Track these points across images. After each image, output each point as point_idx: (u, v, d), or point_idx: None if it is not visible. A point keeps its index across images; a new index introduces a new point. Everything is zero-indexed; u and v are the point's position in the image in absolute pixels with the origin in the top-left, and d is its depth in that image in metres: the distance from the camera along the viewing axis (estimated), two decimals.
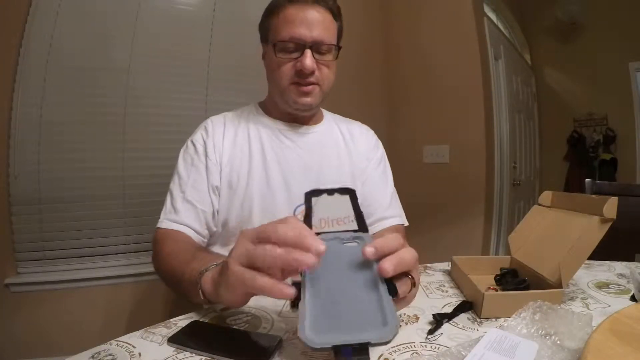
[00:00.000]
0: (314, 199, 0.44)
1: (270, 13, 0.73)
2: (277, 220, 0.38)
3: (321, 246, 0.33)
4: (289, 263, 0.33)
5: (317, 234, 0.38)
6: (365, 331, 0.28)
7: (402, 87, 2.13)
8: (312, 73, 0.69)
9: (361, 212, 0.43)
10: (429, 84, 2.02)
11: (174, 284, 0.58)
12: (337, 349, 0.28)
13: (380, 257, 0.35)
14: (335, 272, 0.35)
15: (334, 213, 0.45)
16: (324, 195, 0.44)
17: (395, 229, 0.82)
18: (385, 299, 0.31)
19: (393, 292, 0.33)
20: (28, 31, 1.24)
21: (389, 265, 0.33)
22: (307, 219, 0.42)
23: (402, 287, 0.36)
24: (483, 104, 1.85)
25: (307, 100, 0.72)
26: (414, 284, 0.39)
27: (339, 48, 0.74)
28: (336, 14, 0.73)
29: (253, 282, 0.35)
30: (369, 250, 0.34)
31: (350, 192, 0.44)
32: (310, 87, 0.71)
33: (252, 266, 0.36)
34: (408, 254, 0.37)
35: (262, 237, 0.36)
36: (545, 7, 3.02)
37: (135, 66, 1.37)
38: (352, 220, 0.43)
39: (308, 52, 0.67)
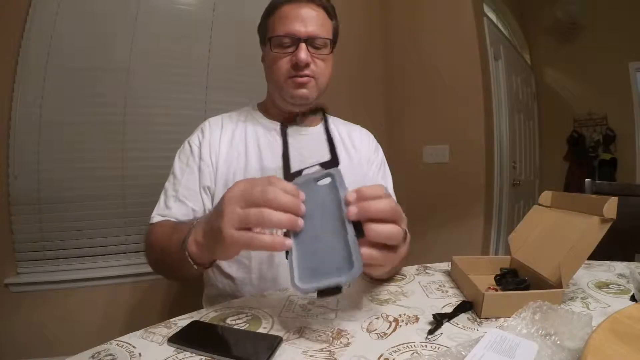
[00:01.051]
0: (289, 130, 0.52)
1: (267, 14, 0.75)
2: (261, 179, 0.41)
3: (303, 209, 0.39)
4: (287, 226, 0.39)
5: (292, 174, 0.45)
6: (337, 275, 0.37)
7: (402, 87, 2.13)
8: (308, 66, 0.71)
9: (333, 141, 0.49)
10: (429, 84, 2.02)
11: (165, 267, 0.61)
12: (320, 291, 0.37)
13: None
14: (312, 215, 0.40)
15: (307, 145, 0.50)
16: (295, 127, 0.52)
17: None
18: (352, 243, 0.38)
19: (360, 234, 0.38)
20: (28, 31, 1.24)
21: (353, 209, 0.38)
22: (285, 152, 0.47)
23: (390, 231, 0.39)
24: (483, 104, 1.85)
25: (304, 91, 0.73)
26: (404, 238, 0.42)
27: (334, 42, 0.76)
28: (331, 12, 0.76)
29: (254, 241, 0.39)
30: (352, 209, 0.39)
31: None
32: (305, 79, 0.72)
33: (245, 227, 0.39)
34: (381, 203, 0.40)
35: (251, 202, 0.39)
36: (545, 7, 3.02)
37: (135, 66, 1.37)
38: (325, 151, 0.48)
39: (303, 46, 0.70)
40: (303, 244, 0.39)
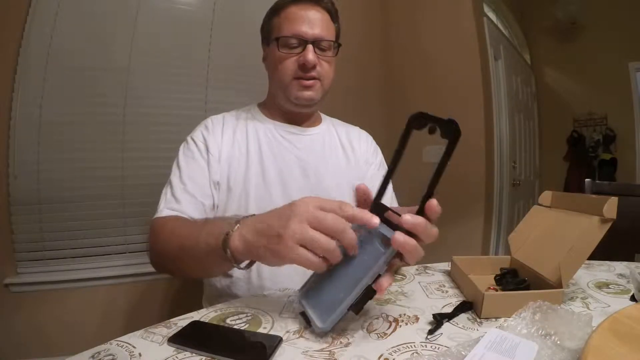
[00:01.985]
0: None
1: (273, 14, 0.76)
2: (336, 205, 0.41)
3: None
4: (332, 261, 0.41)
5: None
6: (320, 318, 0.41)
7: (402, 87, 2.13)
8: (314, 67, 0.72)
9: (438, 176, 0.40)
10: (429, 84, 2.01)
11: (182, 258, 0.58)
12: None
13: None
14: (345, 261, 0.42)
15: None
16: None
17: None
18: (344, 305, 0.39)
19: (371, 293, 0.40)
20: (28, 31, 1.24)
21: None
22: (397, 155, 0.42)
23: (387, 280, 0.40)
24: (483, 104, 1.85)
25: (309, 94, 0.74)
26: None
27: (338, 45, 0.77)
28: (334, 15, 0.77)
29: (307, 263, 0.40)
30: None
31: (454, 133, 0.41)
32: (311, 82, 0.73)
33: (303, 245, 0.40)
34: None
35: (321, 227, 0.40)
36: (545, 7, 3.02)
37: (135, 66, 1.37)
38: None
39: (310, 47, 0.71)
40: (328, 278, 0.43)
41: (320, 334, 0.42)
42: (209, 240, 0.49)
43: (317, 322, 0.41)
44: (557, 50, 3.09)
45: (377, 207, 0.42)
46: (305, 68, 0.71)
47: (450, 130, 0.39)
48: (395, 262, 0.41)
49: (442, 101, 1.96)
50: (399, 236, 0.37)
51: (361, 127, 0.95)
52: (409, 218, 0.37)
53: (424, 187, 0.39)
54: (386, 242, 0.39)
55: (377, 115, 2.11)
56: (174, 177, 0.73)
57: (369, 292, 0.39)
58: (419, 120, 0.40)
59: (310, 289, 0.45)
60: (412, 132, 0.41)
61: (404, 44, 2.11)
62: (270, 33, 0.76)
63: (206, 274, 0.61)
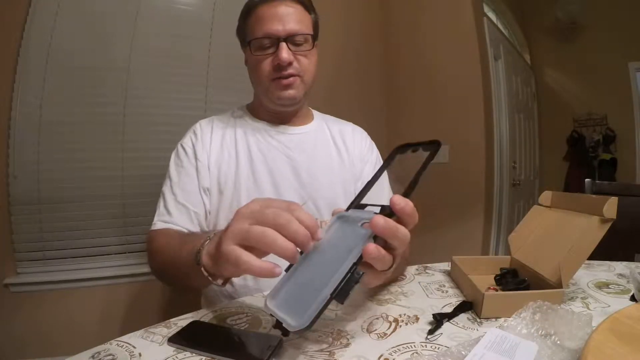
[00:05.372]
0: (398, 156, 0.46)
1: (244, 16, 0.74)
2: (279, 202, 0.39)
3: (310, 245, 0.36)
4: (287, 257, 0.36)
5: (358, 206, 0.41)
6: (294, 316, 0.33)
7: (402, 87, 2.13)
8: (290, 64, 0.70)
9: (421, 172, 0.42)
10: (429, 84, 2.02)
11: (171, 275, 0.59)
12: (277, 321, 0.35)
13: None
14: (326, 250, 0.37)
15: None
16: (409, 152, 0.46)
17: None
18: (324, 293, 0.33)
19: (356, 276, 0.34)
20: (28, 31, 1.24)
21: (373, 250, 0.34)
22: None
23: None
24: (483, 104, 1.85)
25: (290, 92, 0.72)
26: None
27: (314, 37, 0.75)
28: (308, 6, 0.74)
29: (240, 260, 0.37)
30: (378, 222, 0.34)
31: (434, 147, 0.43)
32: (290, 80, 0.71)
33: (246, 245, 0.38)
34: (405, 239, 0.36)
35: (260, 221, 0.37)
36: (545, 7, 3.02)
37: (135, 66, 1.37)
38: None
39: (283, 45, 0.68)
40: (301, 271, 0.37)
41: (303, 332, 0.36)
42: (186, 257, 0.48)
43: (290, 320, 0.33)
44: (557, 50, 3.09)
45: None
46: (280, 67, 0.69)
47: (432, 144, 0.42)
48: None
49: (442, 101, 1.97)
50: (379, 218, 0.34)
51: (362, 127, 0.93)
52: (399, 198, 0.35)
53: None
54: (367, 226, 0.36)
55: (378, 115, 2.11)
56: (166, 188, 0.73)
57: (354, 276, 0.34)
58: (404, 148, 0.44)
59: (279, 289, 0.38)
60: (397, 156, 0.44)
61: (404, 44, 2.11)
62: (245, 36, 0.74)
63: (196, 287, 0.61)
